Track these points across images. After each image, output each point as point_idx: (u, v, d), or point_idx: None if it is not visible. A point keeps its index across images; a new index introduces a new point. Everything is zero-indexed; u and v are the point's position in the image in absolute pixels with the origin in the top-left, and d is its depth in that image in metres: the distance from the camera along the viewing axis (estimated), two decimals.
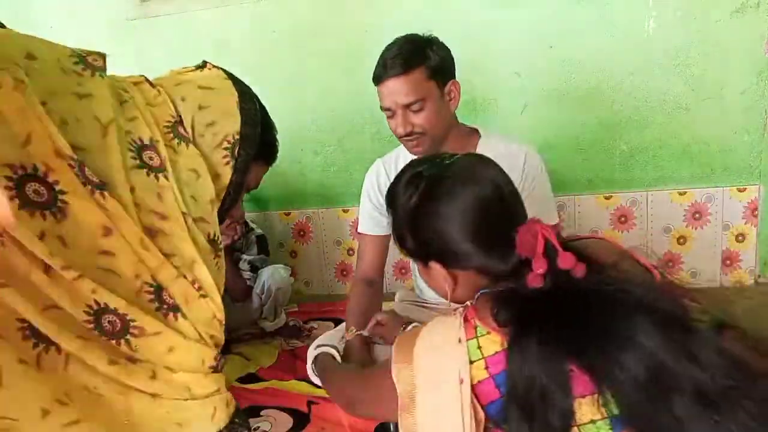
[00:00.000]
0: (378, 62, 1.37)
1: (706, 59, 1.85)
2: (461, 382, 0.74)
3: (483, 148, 1.49)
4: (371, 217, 1.57)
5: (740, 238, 1.99)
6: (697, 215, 2.00)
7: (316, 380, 1.29)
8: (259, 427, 1.50)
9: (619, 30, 1.88)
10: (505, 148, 1.39)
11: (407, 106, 1.34)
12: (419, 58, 1.33)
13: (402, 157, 1.58)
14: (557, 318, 0.71)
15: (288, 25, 2.13)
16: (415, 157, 1.56)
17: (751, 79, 1.85)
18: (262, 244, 2.07)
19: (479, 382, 0.74)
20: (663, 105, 1.92)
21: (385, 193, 1.53)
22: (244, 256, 2.01)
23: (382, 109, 1.40)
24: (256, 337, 2.01)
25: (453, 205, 0.81)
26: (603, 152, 2.00)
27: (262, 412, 1.55)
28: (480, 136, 1.49)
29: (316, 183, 2.30)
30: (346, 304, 2.16)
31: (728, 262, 2.02)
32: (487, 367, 0.74)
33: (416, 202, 0.84)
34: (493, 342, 0.75)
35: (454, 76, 1.41)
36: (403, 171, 0.92)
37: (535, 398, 0.69)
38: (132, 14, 2.25)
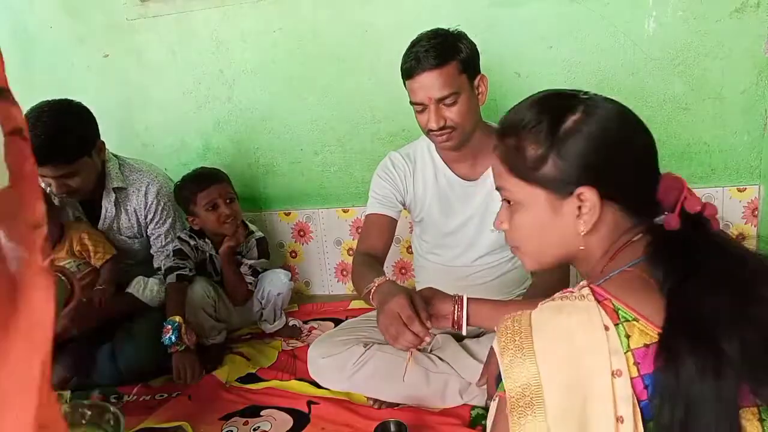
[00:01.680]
0: (407, 56, 1.36)
1: (706, 59, 1.85)
2: (618, 374, 0.62)
3: None
4: (384, 197, 1.54)
5: (740, 238, 1.99)
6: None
7: None
8: (259, 427, 1.50)
9: (619, 30, 1.87)
10: None
11: (440, 100, 1.34)
12: (452, 52, 1.33)
13: (419, 150, 1.58)
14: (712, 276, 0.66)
15: (288, 25, 2.13)
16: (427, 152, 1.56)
17: (751, 79, 1.84)
18: (263, 248, 2.05)
19: (630, 378, 0.63)
20: (663, 105, 1.92)
21: (401, 175, 1.54)
22: (246, 261, 2.00)
23: (412, 103, 1.39)
24: (256, 337, 2.01)
25: (619, 127, 0.76)
26: None
27: (262, 412, 1.56)
28: None
29: (316, 183, 2.30)
30: (346, 303, 2.19)
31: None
32: (636, 363, 0.63)
33: (578, 118, 0.75)
34: (641, 332, 0.64)
35: (480, 71, 1.41)
36: (534, 97, 0.82)
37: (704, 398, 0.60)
38: (132, 14, 2.25)
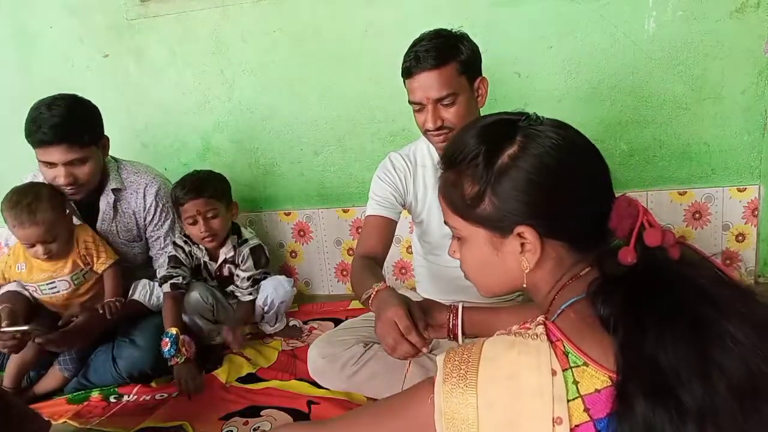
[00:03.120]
0: (408, 56, 1.36)
1: (706, 59, 1.85)
2: (558, 422, 0.60)
3: None
4: (385, 198, 1.54)
5: (740, 238, 1.99)
6: (697, 215, 2.00)
7: None
8: (259, 427, 1.50)
9: (619, 30, 1.87)
10: None
11: (438, 101, 1.33)
12: (452, 53, 1.33)
13: (418, 151, 1.57)
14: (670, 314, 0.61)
15: (288, 25, 2.13)
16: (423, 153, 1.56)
17: (751, 79, 1.84)
18: (257, 257, 1.95)
19: (576, 426, 0.61)
20: (663, 105, 1.92)
21: (401, 176, 1.53)
22: (240, 273, 1.92)
23: (411, 102, 1.39)
24: (256, 337, 2.01)
25: (560, 159, 0.70)
26: (603, 152, 1.96)
27: (262, 412, 1.56)
28: None
29: (316, 183, 2.30)
30: (346, 303, 2.19)
31: (728, 262, 2.02)
32: (587, 409, 0.61)
33: (513, 152, 0.70)
34: (591, 376, 0.62)
35: (481, 73, 1.41)
36: (475, 122, 0.78)
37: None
38: (132, 14, 2.25)
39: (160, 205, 1.87)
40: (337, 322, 1.99)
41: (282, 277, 2.01)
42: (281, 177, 2.33)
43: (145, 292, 1.85)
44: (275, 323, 2.01)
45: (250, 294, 1.94)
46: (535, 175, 0.70)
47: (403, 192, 1.56)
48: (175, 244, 1.90)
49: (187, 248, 1.90)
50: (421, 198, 1.57)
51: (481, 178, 0.72)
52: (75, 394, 1.72)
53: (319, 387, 1.60)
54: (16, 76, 2.40)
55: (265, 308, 1.96)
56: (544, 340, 0.64)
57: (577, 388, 0.62)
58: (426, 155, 1.56)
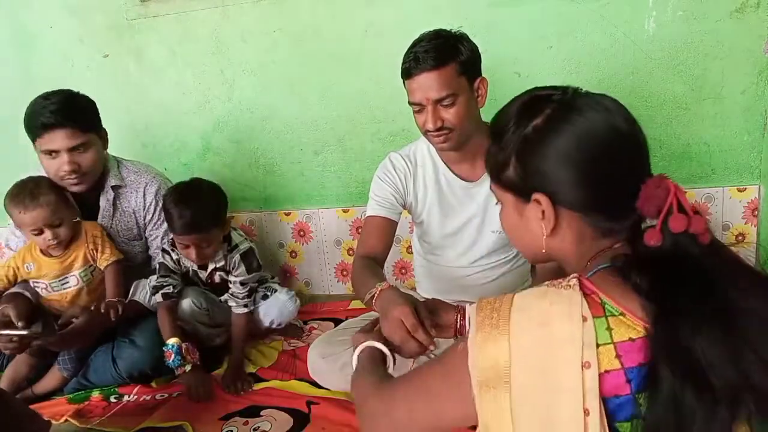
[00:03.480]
0: (407, 56, 1.36)
1: (706, 59, 1.85)
2: (587, 366, 0.62)
3: None
4: (385, 199, 1.53)
5: (740, 238, 1.99)
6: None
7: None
8: (259, 427, 1.50)
9: (619, 30, 1.87)
10: None
11: (438, 101, 1.33)
12: (452, 53, 1.33)
13: (418, 151, 1.57)
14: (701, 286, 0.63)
15: (288, 25, 2.13)
16: (427, 153, 1.55)
17: (751, 79, 1.84)
18: (249, 262, 1.85)
19: (606, 372, 0.62)
20: (663, 105, 1.92)
21: (401, 176, 1.53)
22: (233, 278, 1.85)
23: (410, 103, 1.39)
24: (256, 337, 2.01)
25: (581, 135, 0.72)
26: None
27: (262, 412, 1.56)
28: None
29: (316, 183, 2.30)
30: (346, 303, 2.19)
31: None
32: (618, 356, 0.62)
33: (538, 123, 0.74)
34: (627, 326, 0.63)
35: (481, 73, 1.41)
36: (523, 94, 0.81)
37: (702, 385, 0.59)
38: (132, 14, 2.25)
39: (160, 204, 1.86)
40: (337, 322, 1.99)
41: (283, 296, 1.95)
42: (281, 177, 2.33)
43: (145, 293, 1.84)
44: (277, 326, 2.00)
45: (245, 306, 1.85)
46: (553, 147, 0.73)
47: (403, 192, 1.56)
48: (163, 249, 1.85)
49: (174, 255, 1.84)
50: (421, 198, 1.57)
51: (508, 146, 0.77)
52: (75, 394, 1.73)
53: (319, 387, 1.60)
54: (16, 76, 2.40)
55: (272, 325, 1.96)
56: (577, 290, 0.66)
57: (611, 334, 0.63)
58: (426, 156, 1.56)
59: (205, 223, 1.70)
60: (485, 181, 1.51)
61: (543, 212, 0.75)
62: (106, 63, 2.33)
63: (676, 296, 0.63)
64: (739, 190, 1.95)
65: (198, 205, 1.67)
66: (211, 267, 1.86)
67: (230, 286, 1.86)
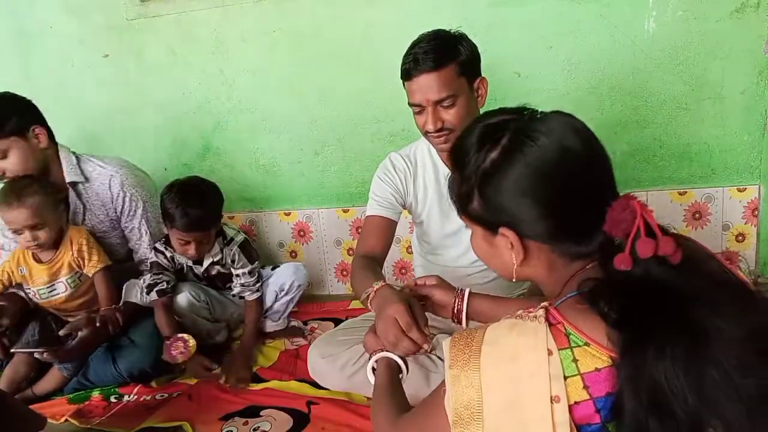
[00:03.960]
0: (406, 58, 1.35)
1: (706, 59, 1.85)
2: (556, 400, 0.62)
3: None
4: (385, 199, 1.53)
5: (740, 238, 1.99)
6: (697, 215, 2.00)
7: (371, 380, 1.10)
8: (259, 427, 1.50)
9: (619, 30, 1.87)
10: None
11: (438, 102, 1.33)
12: (451, 54, 1.32)
13: (419, 151, 1.57)
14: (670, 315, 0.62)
15: (288, 25, 2.13)
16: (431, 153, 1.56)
17: (751, 79, 1.84)
18: (248, 252, 1.91)
19: (576, 403, 0.63)
20: (663, 105, 1.92)
21: (401, 177, 1.53)
22: (239, 271, 1.89)
23: (410, 104, 1.39)
24: (257, 337, 2.01)
25: (539, 166, 0.70)
26: None
27: (261, 412, 1.56)
28: None
29: (316, 183, 2.30)
30: (346, 303, 2.19)
31: (728, 262, 2.02)
32: (586, 386, 0.63)
33: (495, 158, 0.73)
34: (592, 356, 0.63)
35: (481, 73, 1.41)
36: (478, 121, 0.79)
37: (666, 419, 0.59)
38: (132, 14, 2.25)
39: (128, 195, 1.84)
40: (337, 322, 1.99)
41: (299, 264, 2.06)
42: (281, 177, 2.33)
43: (136, 291, 1.84)
44: (279, 318, 2.00)
45: (258, 290, 1.93)
46: (511, 182, 0.72)
47: (403, 192, 1.56)
48: (156, 249, 1.85)
49: (168, 253, 1.84)
50: (421, 198, 1.57)
51: (469, 180, 0.76)
52: (75, 394, 1.72)
53: (319, 387, 1.60)
54: (16, 76, 2.40)
55: (281, 294, 1.96)
56: (542, 321, 0.66)
57: (577, 366, 0.63)
58: (426, 156, 1.56)
59: (208, 222, 1.76)
60: None
61: (512, 244, 0.75)
62: (106, 63, 2.33)
63: (642, 323, 0.62)
64: (739, 190, 1.95)
65: (202, 204, 1.72)
66: (207, 262, 1.88)
67: (235, 279, 1.91)
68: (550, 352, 0.64)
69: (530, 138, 0.71)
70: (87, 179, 1.83)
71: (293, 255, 2.39)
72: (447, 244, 1.60)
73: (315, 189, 2.31)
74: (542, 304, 0.70)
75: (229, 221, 1.97)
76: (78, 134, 1.95)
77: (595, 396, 0.63)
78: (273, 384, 1.69)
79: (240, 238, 1.91)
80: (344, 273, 2.36)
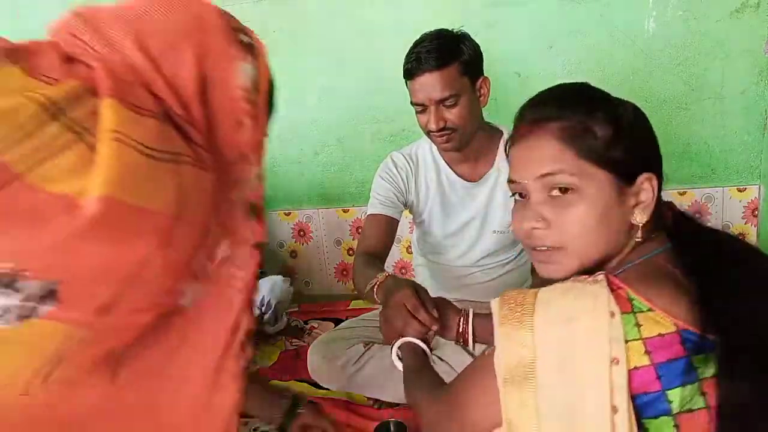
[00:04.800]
0: (409, 57, 1.36)
1: (706, 59, 1.85)
2: (615, 362, 0.61)
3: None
4: (386, 197, 1.53)
5: (740, 238, 1.99)
6: (697, 215, 2.00)
7: (399, 367, 1.07)
8: (258, 427, 1.50)
9: (619, 30, 1.87)
10: None
11: (440, 102, 1.33)
12: (454, 53, 1.33)
13: (420, 149, 1.58)
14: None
15: (288, 25, 2.13)
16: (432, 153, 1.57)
17: (751, 79, 1.84)
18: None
19: (635, 368, 0.62)
20: (663, 105, 1.92)
21: (403, 176, 1.54)
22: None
23: (413, 104, 1.39)
24: (258, 336, 2.01)
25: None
26: None
27: None
28: (502, 134, 1.50)
29: (316, 183, 2.30)
30: (346, 303, 2.19)
31: None
32: (648, 352, 0.62)
33: (631, 107, 0.77)
34: (656, 322, 0.62)
35: (483, 72, 1.41)
36: (565, 86, 0.81)
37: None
38: None
39: None
40: (337, 322, 1.99)
41: (278, 277, 2.01)
42: (281, 177, 2.33)
43: None
44: (275, 323, 2.01)
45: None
46: (651, 131, 0.77)
47: (404, 191, 1.56)
48: None
49: None
50: (422, 198, 1.57)
51: (614, 124, 0.72)
52: None
53: (319, 387, 1.60)
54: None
55: (263, 308, 1.96)
56: (604, 285, 0.65)
57: (639, 330, 0.62)
58: (428, 155, 1.56)
59: None
60: (486, 181, 1.52)
61: (637, 195, 0.73)
62: None
63: (723, 275, 0.64)
64: (739, 190, 1.95)
65: None
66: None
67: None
68: (612, 315, 0.62)
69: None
70: None
71: (293, 255, 2.39)
72: (448, 244, 1.60)
73: (315, 189, 2.31)
74: (598, 272, 0.68)
75: None
76: None
77: (657, 362, 0.62)
78: (273, 384, 1.69)
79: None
80: (344, 273, 2.36)
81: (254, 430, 1.48)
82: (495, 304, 0.70)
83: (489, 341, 1.10)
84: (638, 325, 0.62)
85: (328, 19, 2.09)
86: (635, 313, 0.63)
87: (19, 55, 0.69)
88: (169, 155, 0.64)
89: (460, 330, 1.12)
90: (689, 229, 0.73)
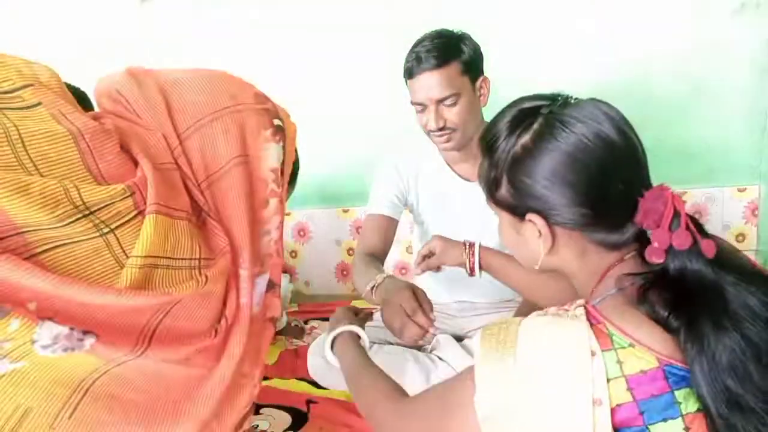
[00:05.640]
0: (409, 56, 1.36)
1: (706, 59, 1.85)
2: (598, 403, 0.60)
3: None
4: (386, 197, 1.53)
5: (740, 238, 1.99)
6: (697, 215, 1.99)
7: (333, 362, 1.09)
8: (258, 426, 1.50)
9: (619, 30, 1.87)
10: None
11: (440, 101, 1.34)
12: (454, 53, 1.33)
13: (420, 149, 1.58)
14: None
15: (288, 25, 2.13)
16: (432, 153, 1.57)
17: (752, 79, 1.84)
18: None
19: (618, 405, 0.61)
20: (663, 105, 1.92)
21: (403, 175, 1.54)
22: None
23: (413, 103, 1.39)
24: None
25: (572, 152, 0.68)
26: None
27: (261, 410, 1.56)
28: None
29: (316, 183, 2.30)
30: (346, 303, 2.19)
31: None
32: (630, 389, 0.61)
33: (526, 142, 0.71)
34: (638, 358, 0.61)
35: (483, 72, 1.41)
36: (511, 107, 0.78)
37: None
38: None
39: None
40: None
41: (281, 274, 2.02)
42: None
43: None
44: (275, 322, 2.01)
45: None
46: (543, 167, 0.70)
47: (404, 191, 1.56)
48: None
49: None
50: (423, 198, 1.57)
51: (498, 165, 0.75)
52: None
53: (319, 387, 1.60)
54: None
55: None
56: (583, 321, 0.64)
57: (621, 368, 0.61)
58: (428, 155, 1.56)
59: None
60: None
61: (539, 231, 0.73)
62: (106, 65, 2.33)
63: (696, 321, 0.61)
64: (739, 190, 1.95)
65: None
66: None
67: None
68: (593, 353, 0.61)
69: (564, 123, 0.70)
70: None
71: (293, 255, 2.39)
72: None
73: (315, 189, 2.31)
74: (578, 302, 0.67)
75: None
76: None
77: (639, 398, 0.61)
78: (274, 382, 1.70)
79: None
80: (344, 273, 2.36)
81: (254, 427, 1.49)
82: (476, 341, 0.69)
83: (493, 274, 1.20)
84: (619, 362, 0.61)
85: (328, 18, 2.09)
86: (616, 349, 0.62)
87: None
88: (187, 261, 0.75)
89: (469, 262, 1.19)
90: (663, 278, 0.66)
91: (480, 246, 1.21)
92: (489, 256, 1.20)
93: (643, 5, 1.84)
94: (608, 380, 0.61)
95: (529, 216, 0.72)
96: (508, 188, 0.74)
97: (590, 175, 0.69)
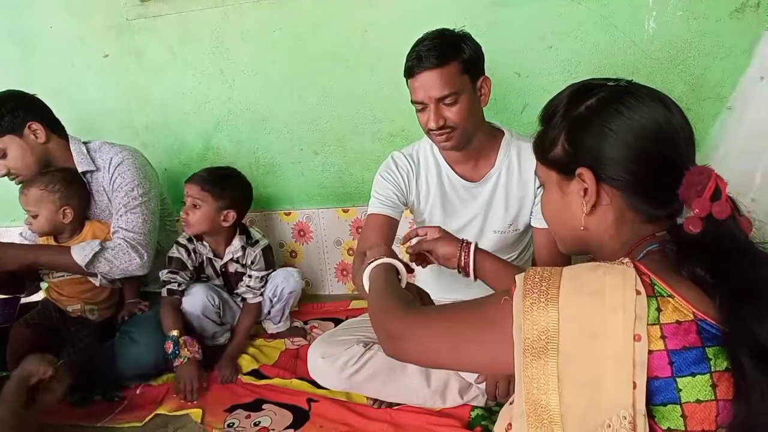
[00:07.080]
0: (410, 55, 1.36)
1: (706, 59, 1.85)
2: (637, 339, 0.62)
3: (506, 145, 1.49)
4: (387, 197, 1.54)
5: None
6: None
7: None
8: (260, 422, 1.51)
9: (619, 30, 1.87)
10: (528, 147, 1.40)
11: (440, 100, 1.34)
12: (454, 52, 1.33)
13: (421, 149, 1.58)
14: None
15: (288, 25, 2.13)
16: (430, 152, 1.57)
17: (752, 79, 1.84)
18: (268, 258, 1.99)
19: (650, 351, 0.62)
20: None
21: (404, 175, 1.54)
22: (254, 273, 1.95)
23: (413, 102, 1.39)
24: (259, 337, 2.02)
25: (633, 116, 0.74)
26: None
27: (263, 407, 1.57)
28: (504, 134, 1.50)
29: (316, 183, 2.30)
30: (346, 303, 2.19)
31: None
32: (663, 337, 0.62)
33: (591, 104, 0.77)
34: (675, 308, 0.63)
35: (484, 72, 1.41)
36: (571, 85, 0.83)
37: None
38: (132, 14, 2.25)
39: (120, 172, 1.81)
40: (337, 322, 1.99)
41: (292, 269, 2.04)
42: (281, 177, 2.33)
43: (81, 251, 1.73)
44: (279, 320, 2.01)
45: (261, 295, 1.97)
46: (605, 124, 0.75)
47: (405, 191, 1.56)
48: (177, 243, 1.91)
49: (191, 246, 1.92)
50: (423, 197, 1.57)
51: (557, 126, 0.80)
52: (76, 395, 1.72)
53: (319, 387, 1.60)
54: (16, 76, 2.40)
55: (274, 300, 1.97)
56: (631, 266, 0.66)
57: (659, 315, 0.63)
58: (429, 155, 1.56)
59: (210, 184, 1.83)
60: (487, 181, 1.52)
61: (585, 190, 0.77)
62: (106, 63, 2.33)
63: (736, 278, 0.64)
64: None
65: (215, 172, 1.89)
66: (228, 257, 1.94)
67: (246, 278, 1.96)
68: (638, 292, 0.63)
69: (629, 93, 0.76)
70: (97, 168, 1.85)
71: (293, 255, 2.39)
72: None
73: (315, 189, 2.31)
74: (622, 257, 0.70)
75: (254, 226, 2.04)
76: (77, 134, 1.95)
77: (671, 348, 0.62)
78: (275, 381, 1.71)
79: (264, 242, 1.99)
80: (344, 273, 2.36)
81: (255, 424, 1.49)
82: (519, 279, 0.70)
83: (486, 278, 1.20)
84: (659, 309, 0.63)
85: (327, 19, 2.09)
86: (657, 297, 0.64)
87: None
88: None
89: (462, 261, 1.19)
90: (696, 246, 0.69)
91: (476, 247, 1.22)
92: (484, 259, 1.22)
93: (643, 5, 1.84)
94: (648, 324, 0.63)
95: (580, 170, 0.76)
96: (563, 146, 0.79)
97: (647, 139, 0.73)
